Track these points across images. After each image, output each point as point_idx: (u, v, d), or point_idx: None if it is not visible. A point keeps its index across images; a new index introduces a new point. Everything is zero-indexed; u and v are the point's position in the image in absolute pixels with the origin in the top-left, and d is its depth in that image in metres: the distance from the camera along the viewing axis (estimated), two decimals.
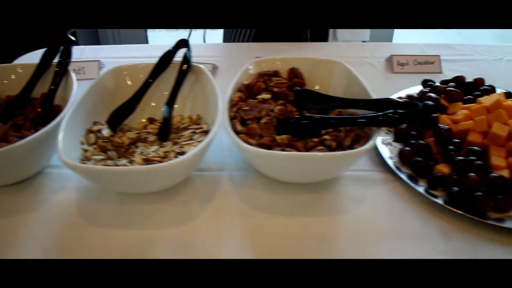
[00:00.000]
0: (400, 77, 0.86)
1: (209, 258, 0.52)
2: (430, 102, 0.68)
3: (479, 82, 0.78)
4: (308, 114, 0.58)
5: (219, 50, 1.01)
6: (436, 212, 0.59)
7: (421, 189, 0.60)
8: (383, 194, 0.61)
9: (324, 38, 1.17)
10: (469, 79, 0.80)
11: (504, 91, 0.76)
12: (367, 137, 0.56)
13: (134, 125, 0.68)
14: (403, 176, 0.62)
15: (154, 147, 0.60)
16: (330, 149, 0.55)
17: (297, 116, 0.58)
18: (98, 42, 1.60)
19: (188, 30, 1.39)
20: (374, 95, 0.63)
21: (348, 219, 0.58)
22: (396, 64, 0.87)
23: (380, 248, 0.54)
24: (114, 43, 1.62)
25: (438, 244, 0.55)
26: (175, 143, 0.60)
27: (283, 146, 0.56)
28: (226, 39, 1.18)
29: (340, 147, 0.56)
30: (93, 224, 0.57)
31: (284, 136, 0.56)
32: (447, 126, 0.64)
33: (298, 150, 0.55)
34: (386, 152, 0.65)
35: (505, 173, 0.60)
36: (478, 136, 0.65)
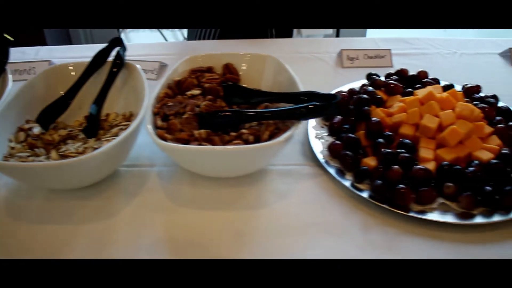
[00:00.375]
0: (349, 71, 0.86)
1: (122, 258, 0.52)
2: (364, 96, 0.68)
3: (422, 75, 0.77)
4: (227, 109, 0.58)
5: (176, 48, 1.01)
6: (361, 206, 0.58)
7: (347, 182, 0.59)
8: (310, 188, 0.61)
9: (289, 34, 1.17)
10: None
11: (447, 83, 0.76)
12: (286, 130, 0.56)
13: (71, 123, 0.68)
14: (331, 170, 0.61)
15: (78, 144, 0.60)
16: (247, 142, 0.55)
17: (214, 111, 0.58)
18: (70, 42, 1.62)
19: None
20: (302, 88, 0.62)
21: (270, 213, 0.58)
22: (346, 59, 0.87)
23: (297, 241, 0.54)
24: (87, 42, 1.63)
25: (357, 238, 0.54)
26: (98, 139, 0.60)
27: (200, 141, 0.56)
28: (191, 37, 1.19)
29: (258, 141, 0.56)
30: (19, 221, 0.57)
31: (202, 131, 0.56)
32: (377, 119, 0.64)
33: (215, 144, 0.55)
34: (318, 146, 0.65)
35: (431, 166, 0.59)
36: (410, 129, 0.64)
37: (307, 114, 0.55)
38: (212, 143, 0.55)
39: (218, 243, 0.54)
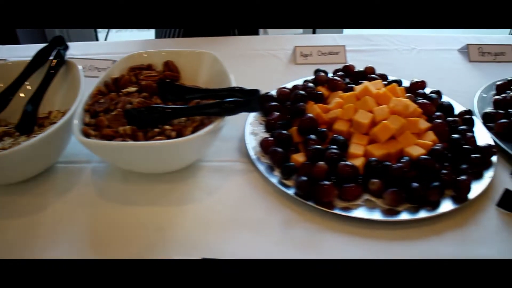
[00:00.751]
0: (302, 68, 0.85)
1: (42, 258, 0.52)
2: (300, 92, 0.67)
3: (368, 71, 0.76)
4: (152, 106, 0.58)
5: (137, 46, 1.02)
6: (287, 203, 0.58)
7: (275, 179, 0.59)
8: (240, 185, 0.61)
9: (255, 32, 1.17)
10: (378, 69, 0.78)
11: (396, 78, 0.75)
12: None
13: (14, 121, 0.69)
14: (260, 167, 0.61)
15: (10, 140, 0.61)
16: (169, 138, 0.55)
17: (141, 108, 0.58)
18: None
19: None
20: (235, 84, 0.62)
21: (196, 209, 0.58)
22: (299, 55, 0.86)
23: (217, 238, 0.54)
24: None
25: (279, 235, 0.54)
26: (29, 136, 0.61)
27: (125, 137, 0.56)
28: (158, 35, 1.19)
29: (180, 136, 0.56)
30: None
31: (127, 127, 0.57)
32: (310, 115, 0.63)
33: (138, 140, 0.55)
34: (252, 143, 0.65)
35: (358, 162, 0.58)
36: (345, 124, 0.63)
37: (226, 110, 0.55)
38: (136, 139, 0.56)
39: (138, 239, 0.54)
